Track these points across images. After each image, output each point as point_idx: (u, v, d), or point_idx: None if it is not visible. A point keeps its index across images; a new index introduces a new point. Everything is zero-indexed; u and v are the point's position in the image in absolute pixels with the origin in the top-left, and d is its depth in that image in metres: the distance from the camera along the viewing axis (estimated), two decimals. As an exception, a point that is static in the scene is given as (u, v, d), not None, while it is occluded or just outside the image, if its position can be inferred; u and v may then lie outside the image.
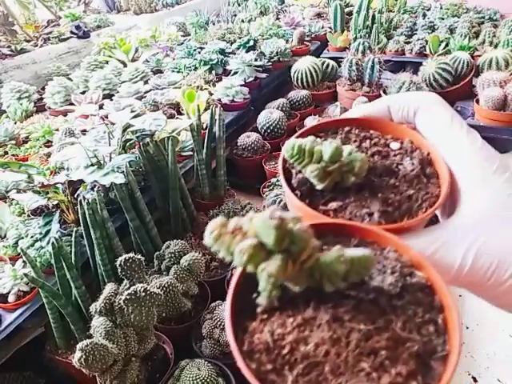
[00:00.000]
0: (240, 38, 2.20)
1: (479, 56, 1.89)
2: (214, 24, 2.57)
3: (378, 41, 2.18)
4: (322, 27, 2.45)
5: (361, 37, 2.20)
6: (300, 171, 0.34)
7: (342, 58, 1.95)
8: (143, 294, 0.81)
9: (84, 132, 1.41)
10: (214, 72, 1.90)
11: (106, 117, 1.40)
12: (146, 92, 1.73)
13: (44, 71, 2.03)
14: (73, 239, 0.94)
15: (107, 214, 1.00)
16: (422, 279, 0.29)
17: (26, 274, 0.87)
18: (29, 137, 1.55)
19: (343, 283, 0.27)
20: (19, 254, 0.99)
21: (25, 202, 1.10)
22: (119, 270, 0.88)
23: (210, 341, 0.97)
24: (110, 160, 1.12)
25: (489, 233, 0.30)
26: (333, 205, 0.33)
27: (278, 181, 1.41)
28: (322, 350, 0.25)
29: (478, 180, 0.32)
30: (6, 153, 1.47)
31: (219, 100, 1.68)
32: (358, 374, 0.24)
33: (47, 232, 0.97)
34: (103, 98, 1.72)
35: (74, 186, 1.07)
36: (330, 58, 2.07)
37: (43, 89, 1.88)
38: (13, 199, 1.18)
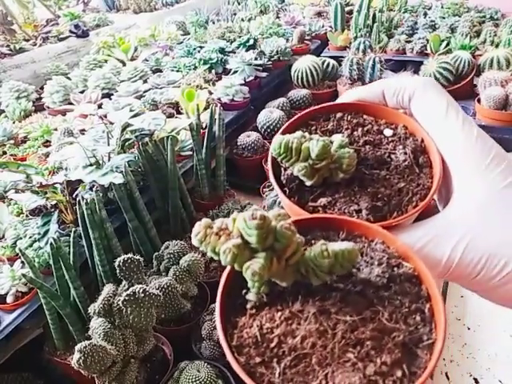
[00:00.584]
0: (240, 36, 2.19)
1: (480, 55, 1.88)
2: (213, 23, 2.56)
3: (379, 40, 2.17)
4: (323, 26, 2.45)
5: (361, 36, 2.19)
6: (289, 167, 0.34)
7: (342, 57, 1.94)
8: (142, 294, 0.81)
9: (83, 131, 1.40)
10: (213, 71, 1.89)
11: (105, 116, 1.39)
12: (145, 91, 1.72)
13: (43, 70, 2.02)
14: (71, 239, 0.93)
15: (106, 214, 0.99)
16: (409, 270, 0.29)
17: (24, 275, 0.86)
18: (27, 136, 1.54)
19: (329, 277, 0.27)
20: (17, 254, 0.98)
21: (23, 202, 1.09)
22: (118, 271, 0.87)
23: (209, 342, 0.96)
24: (109, 160, 1.11)
25: (478, 228, 0.30)
26: (322, 201, 0.33)
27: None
28: (309, 342, 0.26)
29: (472, 172, 0.31)
30: (5, 152, 1.46)
31: (219, 99, 1.67)
32: (344, 365, 0.25)
33: (45, 232, 0.97)
34: (102, 98, 1.71)
35: (72, 185, 1.06)
36: (331, 57, 2.06)
37: (42, 88, 1.87)
38: (11, 199, 1.17)
